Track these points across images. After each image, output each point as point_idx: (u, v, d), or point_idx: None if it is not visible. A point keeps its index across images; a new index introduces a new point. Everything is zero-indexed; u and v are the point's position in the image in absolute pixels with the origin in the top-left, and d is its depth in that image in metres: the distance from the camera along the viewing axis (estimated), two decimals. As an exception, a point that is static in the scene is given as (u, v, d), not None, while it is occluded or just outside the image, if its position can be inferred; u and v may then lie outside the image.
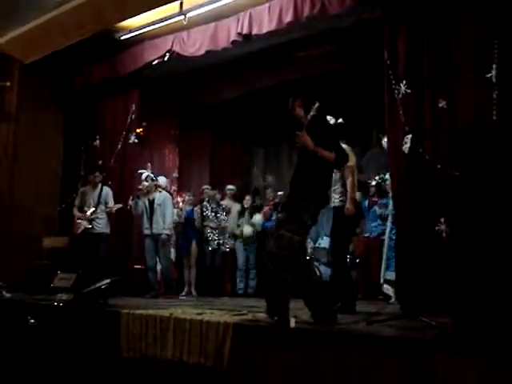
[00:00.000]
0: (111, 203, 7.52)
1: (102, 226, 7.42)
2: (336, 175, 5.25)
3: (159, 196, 7.75)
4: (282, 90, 4.52)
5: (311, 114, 4.08)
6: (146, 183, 7.72)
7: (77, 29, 7.27)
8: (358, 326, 3.92)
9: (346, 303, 5.07)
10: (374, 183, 8.00)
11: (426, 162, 5.27)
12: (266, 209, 8.80)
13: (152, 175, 7.89)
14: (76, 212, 7.58)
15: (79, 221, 7.41)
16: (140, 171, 8.01)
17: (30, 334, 5.25)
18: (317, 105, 4.10)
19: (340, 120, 5.33)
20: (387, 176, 6.99)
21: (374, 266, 7.34)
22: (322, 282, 4.24)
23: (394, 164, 5.63)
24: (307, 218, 4.07)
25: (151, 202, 7.67)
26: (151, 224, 7.60)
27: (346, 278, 5.33)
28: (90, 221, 7.27)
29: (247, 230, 8.43)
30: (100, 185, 7.56)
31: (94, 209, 7.35)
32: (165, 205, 7.69)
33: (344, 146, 5.26)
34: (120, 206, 7.61)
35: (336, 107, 5.34)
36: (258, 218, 8.59)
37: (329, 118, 4.95)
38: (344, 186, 5.33)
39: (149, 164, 8.22)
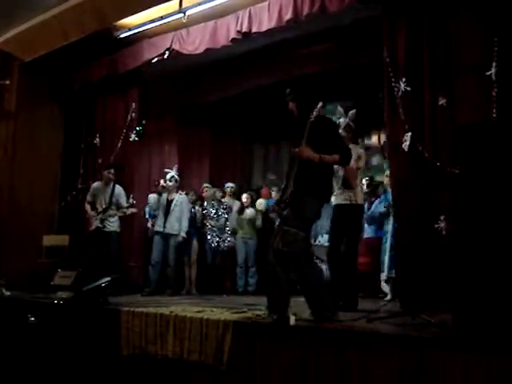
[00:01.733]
0: (124, 203, 7.47)
1: (113, 224, 7.39)
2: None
3: (178, 197, 7.83)
4: (281, 88, 4.52)
5: (314, 114, 4.07)
6: (170, 183, 7.79)
7: (76, 27, 7.27)
8: (358, 323, 3.93)
9: (349, 301, 5.08)
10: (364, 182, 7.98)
11: (425, 159, 5.27)
12: (263, 190, 9.16)
13: (176, 176, 7.97)
14: (88, 209, 7.53)
15: (92, 219, 7.40)
16: (166, 170, 8.08)
17: (30, 332, 5.26)
18: (320, 104, 4.09)
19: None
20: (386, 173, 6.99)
21: (374, 264, 7.34)
22: (323, 279, 4.24)
23: (394, 162, 5.64)
24: (311, 214, 4.09)
25: (169, 202, 7.73)
26: (165, 222, 7.65)
27: (353, 276, 5.34)
28: (102, 220, 7.27)
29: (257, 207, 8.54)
30: (112, 183, 7.54)
31: (105, 207, 7.35)
32: (182, 207, 7.79)
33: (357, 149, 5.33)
34: (135, 210, 7.62)
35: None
36: (259, 201, 8.67)
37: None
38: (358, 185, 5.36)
39: (176, 165, 8.27)
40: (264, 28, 6.45)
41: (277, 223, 4.46)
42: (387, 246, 6.82)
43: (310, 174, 4.05)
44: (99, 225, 7.24)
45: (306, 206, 4.03)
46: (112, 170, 7.62)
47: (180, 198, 7.85)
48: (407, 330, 3.58)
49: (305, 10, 6.05)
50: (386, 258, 6.78)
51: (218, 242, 8.31)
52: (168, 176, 7.90)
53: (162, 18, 7.15)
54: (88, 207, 7.53)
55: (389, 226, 6.74)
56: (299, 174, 4.07)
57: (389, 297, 6.68)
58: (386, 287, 6.92)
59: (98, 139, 8.56)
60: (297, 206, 4.03)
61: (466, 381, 2.90)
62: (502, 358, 2.80)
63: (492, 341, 2.86)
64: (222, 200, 8.78)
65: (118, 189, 7.53)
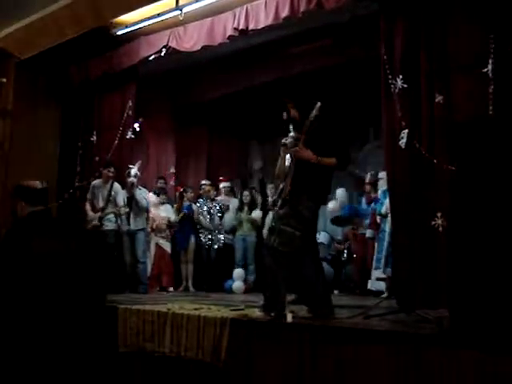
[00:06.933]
0: (120, 202, 7.36)
1: (110, 223, 7.33)
2: None
3: (138, 192, 7.74)
4: (278, 85, 4.52)
5: (313, 114, 4.05)
6: (134, 179, 7.67)
7: (73, 24, 7.23)
8: (354, 320, 3.94)
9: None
10: (367, 180, 8.02)
11: (422, 156, 5.27)
12: None
13: (139, 173, 7.87)
14: (89, 210, 7.48)
15: (90, 218, 7.35)
16: (130, 166, 7.95)
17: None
18: (319, 104, 4.07)
19: None
20: (383, 173, 6.99)
21: (371, 262, 7.34)
22: (320, 277, 4.23)
23: (391, 159, 5.64)
24: (308, 213, 4.07)
25: (129, 199, 7.60)
26: (129, 220, 7.62)
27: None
28: (100, 219, 7.20)
29: (256, 213, 8.46)
30: (111, 181, 7.46)
31: (102, 206, 7.30)
32: (143, 203, 7.70)
33: None
34: (127, 210, 7.53)
35: (332, 103, 5.31)
36: (257, 213, 8.58)
37: None
38: None
39: (140, 161, 8.17)
40: (261, 25, 6.44)
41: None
42: (385, 243, 6.83)
43: (308, 174, 4.04)
44: (97, 223, 7.21)
45: (303, 206, 4.02)
46: (112, 169, 7.54)
47: (141, 193, 7.74)
48: (404, 327, 3.59)
49: (302, 7, 6.04)
50: (383, 256, 6.79)
51: (209, 239, 8.34)
52: (132, 172, 7.76)
53: (158, 15, 7.14)
54: (89, 207, 7.49)
55: (386, 225, 6.74)
56: (297, 173, 4.07)
57: (385, 294, 6.69)
58: (376, 285, 6.95)
59: (95, 137, 8.54)
60: (294, 205, 4.02)
61: (462, 377, 2.91)
62: (498, 355, 2.81)
63: (489, 338, 2.87)
64: (217, 198, 8.77)
65: (116, 187, 7.50)
